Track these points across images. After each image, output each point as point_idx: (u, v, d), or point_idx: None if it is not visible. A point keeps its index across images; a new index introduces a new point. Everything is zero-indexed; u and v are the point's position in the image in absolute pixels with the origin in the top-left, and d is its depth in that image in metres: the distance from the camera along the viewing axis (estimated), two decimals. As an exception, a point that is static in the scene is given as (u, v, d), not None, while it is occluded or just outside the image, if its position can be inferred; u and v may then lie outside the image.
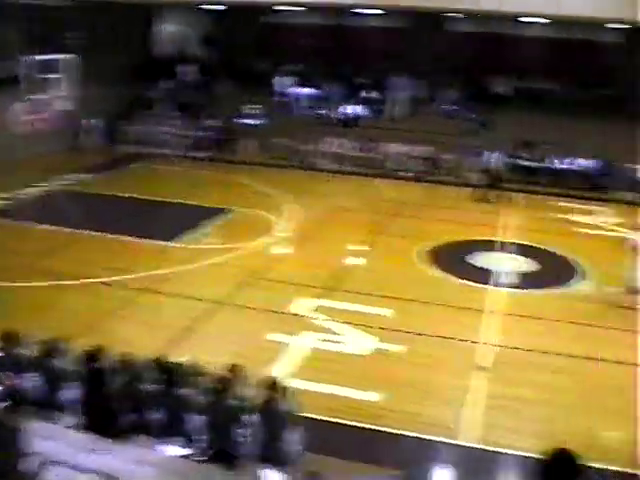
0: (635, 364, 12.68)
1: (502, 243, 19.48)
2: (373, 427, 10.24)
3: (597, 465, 9.00)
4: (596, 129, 26.89)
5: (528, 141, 26.75)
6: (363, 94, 31.91)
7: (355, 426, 10.21)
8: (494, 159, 24.74)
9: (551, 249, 19.22)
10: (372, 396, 11.10)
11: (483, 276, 16.85)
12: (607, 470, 9.30)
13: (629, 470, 9.59)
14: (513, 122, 27.88)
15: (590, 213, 23.72)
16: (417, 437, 10.06)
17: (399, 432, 10.13)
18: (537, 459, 4.34)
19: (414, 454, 9.74)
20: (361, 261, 17.75)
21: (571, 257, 18.63)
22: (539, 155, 27.24)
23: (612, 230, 21.98)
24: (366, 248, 18.62)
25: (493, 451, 9.84)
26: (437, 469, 9.71)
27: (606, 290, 16.19)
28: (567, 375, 12.29)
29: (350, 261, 17.70)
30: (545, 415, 10.91)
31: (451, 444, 10.01)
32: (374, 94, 31.79)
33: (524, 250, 18.92)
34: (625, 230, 21.58)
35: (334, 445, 9.29)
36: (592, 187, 26.44)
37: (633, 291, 15.45)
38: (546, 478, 4.20)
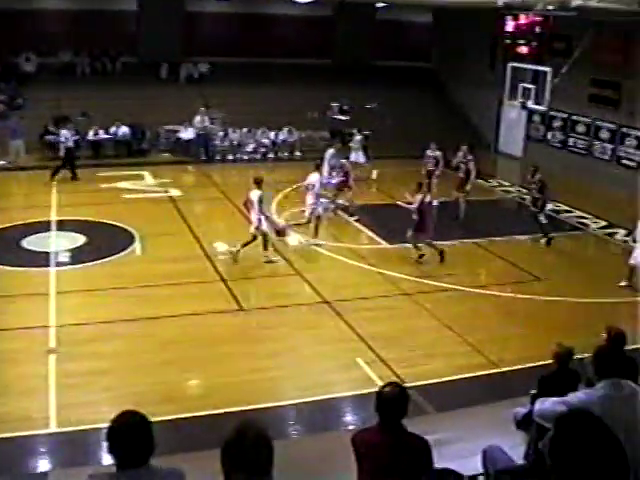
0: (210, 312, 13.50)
1: (56, 222, 18.93)
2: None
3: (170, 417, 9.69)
4: (123, 96, 27.41)
5: (63, 116, 26.16)
6: None
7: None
8: (64, 137, 23.70)
9: (105, 220, 19.17)
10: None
11: (40, 259, 16.29)
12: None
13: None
14: (46, 98, 27.21)
15: (136, 178, 24.06)
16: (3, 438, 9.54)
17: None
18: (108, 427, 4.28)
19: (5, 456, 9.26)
20: None
21: (125, 224, 18.78)
22: (78, 128, 26.79)
23: (158, 191, 22.62)
24: None
25: (80, 430, 9.72)
26: (31, 463, 9.35)
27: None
28: (130, 339, 12.55)
29: None
30: (114, 382, 11.06)
31: (41, 434, 9.72)
32: None
33: (79, 226, 18.56)
34: (168, 189, 22.46)
35: None
36: (134, 152, 26.93)
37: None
38: (113, 441, 4.19)
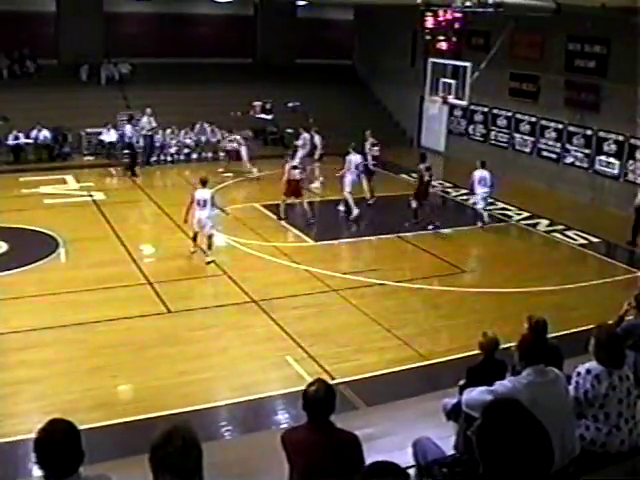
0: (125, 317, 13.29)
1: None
2: None
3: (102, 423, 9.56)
4: (43, 99, 26.94)
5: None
6: None
7: None
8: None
9: (28, 226, 18.70)
10: None
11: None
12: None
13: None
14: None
15: (59, 182, 23.61)
16: None
17: None
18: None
19: None
20: None
21: (48, 229, 18.38)
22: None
23: (82, 195, 22.23)
24: None
25: (9, 442, 9.43)
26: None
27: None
28: (60, 346, 12.30)
29: None
30: (44, 390, 10.84)
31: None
32: None
33: (0, 233, 18.03)
34: (92, 192, 22.11)
35: None
36: (55, 156, 26.44)
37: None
38: (40, 452, 4.10)
